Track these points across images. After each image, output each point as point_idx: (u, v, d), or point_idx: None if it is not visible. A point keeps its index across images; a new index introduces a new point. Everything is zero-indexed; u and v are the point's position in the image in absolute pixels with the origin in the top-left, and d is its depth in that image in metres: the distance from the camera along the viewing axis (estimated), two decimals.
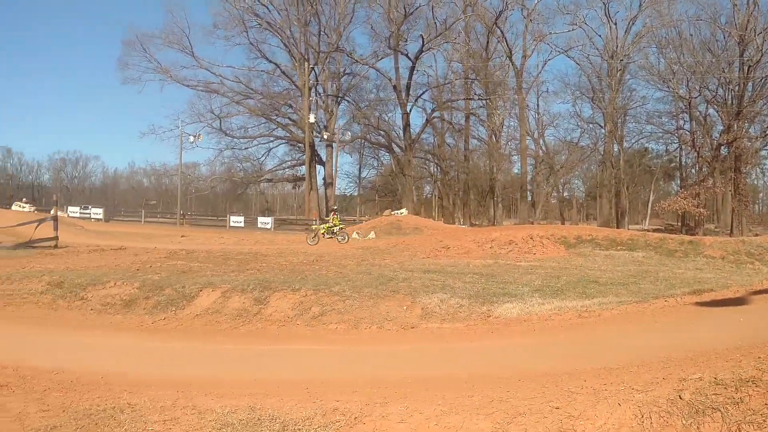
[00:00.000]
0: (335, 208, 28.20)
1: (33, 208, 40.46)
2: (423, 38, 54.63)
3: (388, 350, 7.73)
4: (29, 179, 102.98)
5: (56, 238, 18.89)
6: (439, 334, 8.46)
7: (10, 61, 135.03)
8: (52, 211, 21.70)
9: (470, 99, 59.67)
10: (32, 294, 10.68)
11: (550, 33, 57.35)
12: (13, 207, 40.04)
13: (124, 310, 9.95)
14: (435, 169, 69.53)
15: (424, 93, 60.69)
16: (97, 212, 55.39)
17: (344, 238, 23.82)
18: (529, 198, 61.79)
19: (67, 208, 54.15)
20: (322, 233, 24.13)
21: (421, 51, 55.53)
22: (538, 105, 63.46)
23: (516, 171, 64.17)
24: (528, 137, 60.18)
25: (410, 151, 57.90)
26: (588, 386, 5.29)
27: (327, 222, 24.74)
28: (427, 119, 60.84)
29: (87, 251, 17.39)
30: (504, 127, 62.25)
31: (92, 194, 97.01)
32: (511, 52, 57.25)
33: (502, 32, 56.56)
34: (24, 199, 50.53)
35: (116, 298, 10.34)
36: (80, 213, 53.07)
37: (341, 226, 24.82)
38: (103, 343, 8.18)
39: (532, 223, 50.36)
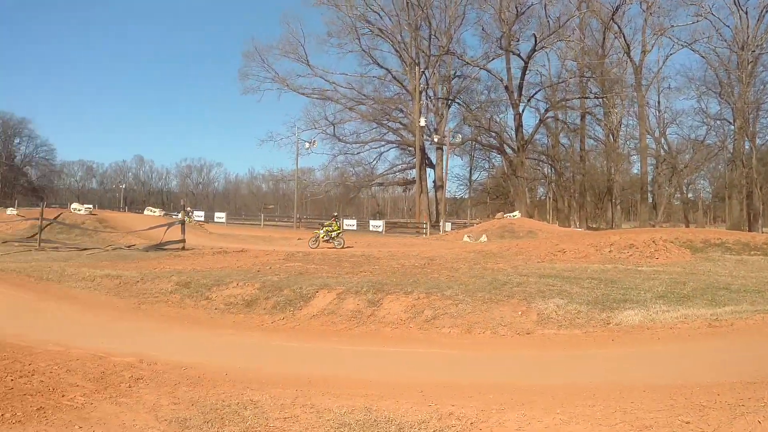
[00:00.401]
0: (335, 214, 28.35)
1: (162, 213, 43.18)
2: (536, 37, 53.42)
3: (503, 356, 7.59)
4: (159, 185, 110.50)
5: (183, 240, 20.05)
6: (556, 340, 8.21)
7: (142, 75, 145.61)
8: (180, 216, 23.05)
9: (586, 98, 57.71)
10: (163, 293, 11.40)
11: (672, 26, 54.37)
12: (145, 212, 42.93)
13: (245, 310, 10.39)
14: (549, 171, 67.77)
15: (537, 93, 59.39)
16: (220, 216, 58.52)
17: (340, 244, 23.73)
18: (650, 200, 58.87)
19: (193, 213, 57.53)
20: (322, 237, 24.17)
21: (533, 50, 54.32)
22: (659, 102, 60.20)
23: (635, 171, 61.42)
24: (648, 136, 57.34)
25: (523, 152, 56.76)
26: (722, 401, 4.93)
27: (326, 226, 24.66)
28: (540, 119, 59.44)
29: (211, 253, 18.33)
30: (622, 125, 59.81)
31: (215, 199, 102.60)
32: (629, 47, 54.83)
33: (619, 27, 54.30)
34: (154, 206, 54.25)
35: (238, 298, 10.83)
36: (204, 217, 56.16)
37: (339, 231, 24.79)
38: (227, 341, 8.59)
39: (654, 226, 47.85)
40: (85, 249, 19.85)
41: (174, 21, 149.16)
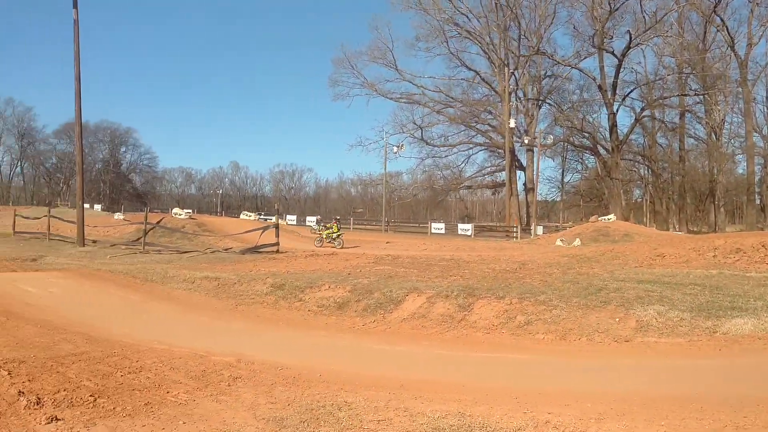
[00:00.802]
0: (337, 218, 30.59)
1: (257, 217, 44.65)
2: (630, 34, 51.52)
3: (600, 364, 7.32)
4: (253, 190, 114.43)
5: (277, 243, 20.63)
6: (657, 349, 7.84)
7: (237, 85, 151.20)
8: (274, 219, 23.74)
9: (685, 95, 55.15)
10: (258, 295, 11.75)
11: None
12: (241, 216, 44.57)
13: (337, 312, 10.54)
14: (645, 172, 65.20)
15: (632, 91, 57.27)
16: (311, 220, 59.86)
17: (340, 244, 25.80)
18: (758, 201, 55.42)
19: (285, 217, 59.24)
20: (325, 238, 26.65)
21: (628, 47, 52.40)
22: (766, 98, 56.62)
23: (741, 171, 58.00)
24: (755, 133, 54.14)
25: (617, 152, 54.84)
26: None
27: (329, 228, 27.27)
28: (636, 119, 57.25)
29: (303, 256, 18.76)
30: (726, 123, 56.65)
31: (306, 203, 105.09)
32: (733, 41, 51.93)
33: (722, 20, 51.57)
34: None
35: (330, 300, 11.01)
36: (296, 221, 57.64)
37: (340, 233, 26.96)
38: (320, 342, 8.74)
39: (762, 230, 44.99)
40: (185, 252, 20.80)
41: (266, 33, 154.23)
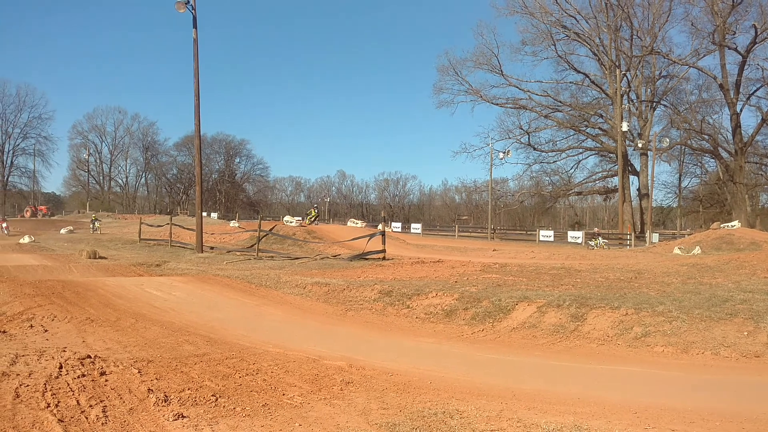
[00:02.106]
0: (315, 205, 33.91)
1: (364, 224, 45.42)
2: (756, 28, 48.06)
3: (726, 380, 6.86)
4: (359, 198, 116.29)
5: (384, 250, 20.88)
6: None
7: (342, 96, 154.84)
8: (380, 227, 24.04)
9: None
10: (367, 301, 11.94)
11: None
12: (348, 223, 45.45)
13: (445, 320, 10.52)
14: None
15: (758, 89, 53.21)
16: (416, 227, 60.21)
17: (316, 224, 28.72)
18: None
19: (390, 224, 59.90)
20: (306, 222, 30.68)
21: (753, 42, 48.90)
22: None
23: None
24: None
25: (742, 155, 51.33)
26: None
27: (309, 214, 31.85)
28: (763, 119, 53.22)
29: (409, 263, 18.87)
30: None
31: (411, 211, 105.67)
32: None
33: None
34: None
35: (438, 308, 11.00)
36: (401, 228, 58.15)
37: (316, 216, 32.28)
38: (428, 349, 8.74)
39: None
40: (296, 258, 21.48)
41: (370, 40, 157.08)
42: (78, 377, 5.52)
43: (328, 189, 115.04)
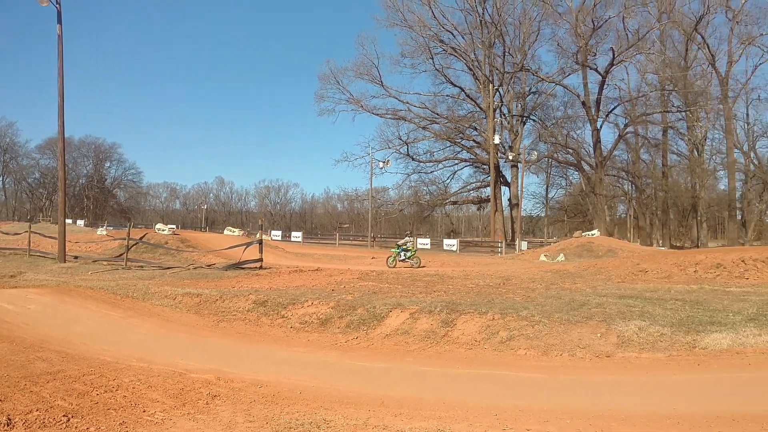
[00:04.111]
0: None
1: (242, 233, 44.41)
2: (613, 51, 52.15)
3: (580, 379, 7.33)
4: (238, 206, 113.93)
5: (261, 259, 20.50)
6: (638, 364, 7.86)
7: (223, 100, 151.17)
8: (258, 235, 23.61)
9: (668, 111, 55.78)
10: (240, 311, 11.67)
11: (762, 34, 52.03)
12: (225, 232, 44.23)
13: (320, 329, 10.49)
14: (629, 188, 65.81)
15: (615, 108, 57.87)
16: (296, 235, 59.77)
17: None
18: (739, 217, 56.02)
19: (270, 232, 59.10)
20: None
21: (611, 64, 53.02)
22: (747, 114, 57.81)
23: (722, 188, 58.74)
24: (736, 150, 55.03)
25: (602, 168, 55.28)
26: None
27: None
28: (619, 135, 57.78)
29: (287, 272, 18.66)
30: (707, 140, 57.53)
31: (292, 219, 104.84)
32: (714, 58, 52.80)
33: (703, 38, 52.44)
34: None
35: (313, 317, 10.95)
36: (281, 237, 57.55)
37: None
38: (301, 359, 8.67)
39: (743, 245, 45.44)
40: (168, 268, 20.62)
41: (251, 47, 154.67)
42: None
43: (205, 196, 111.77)
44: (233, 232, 43.78)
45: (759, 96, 55.93)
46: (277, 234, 60.91)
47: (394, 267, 22.96)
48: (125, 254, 21.99)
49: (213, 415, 5.38)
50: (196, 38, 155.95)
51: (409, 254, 24.09)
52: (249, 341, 9.89)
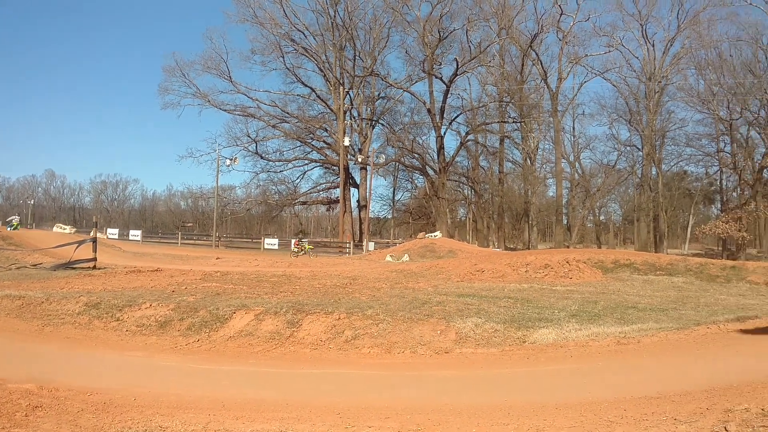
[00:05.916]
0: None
1: (74, 230, 41.24)
2: (457, 61, 54.78)
3: (421, 375, 7.60)
4: (71, 201, 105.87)
5: (95, 259, 19.18)
6: (474, 359, 8.31)
7: (54, 86, 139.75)
8: (92, 233, 22.09)
9: (505, 122, 59.54)
10: (70, 314, 10.81)
11: (587, 55, 57.38)
12: (54, 229, 40.85)
13: (159, 332, 10.00)
14: (469, 192, 69.49)
15: (458, 116, 60.89)
16: (135, 234, 56.57)
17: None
18: (565, 221, 61.24)
19: (106, 230, 55.46)
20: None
21: (455, 74, 55.66)
22: (573, 128, 63.27)
23: (551, 194, 63.76)
24: (563, 160, 59.88)
25: (444, 174, 57.80)
26: (629, 416, 5.10)
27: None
28: (461, 142, 60.86)
29: (124, 272, 17.61)
30: (539, 150, 62.20)
31: (131, 216, 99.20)
32: (546, 74, 57.12)
33: (537, 55, 56.54)
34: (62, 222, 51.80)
35: (151, 319, 10.41)
36: (118, 235, 54.23)
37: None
38: (137, 364, 8.22)
39: (568, 247, 49.68)
40: None
41: (91, 32, 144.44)
42: None
43: (33, 190, 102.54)
44: (64, 229, 40.53)
45: (583, 111, 61.68)
46: (113, 232, 57.18)
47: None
48: None
49: (33, 428, 4.94)
50: (29, 18, 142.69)
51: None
52: (79, 346, 9.19)
